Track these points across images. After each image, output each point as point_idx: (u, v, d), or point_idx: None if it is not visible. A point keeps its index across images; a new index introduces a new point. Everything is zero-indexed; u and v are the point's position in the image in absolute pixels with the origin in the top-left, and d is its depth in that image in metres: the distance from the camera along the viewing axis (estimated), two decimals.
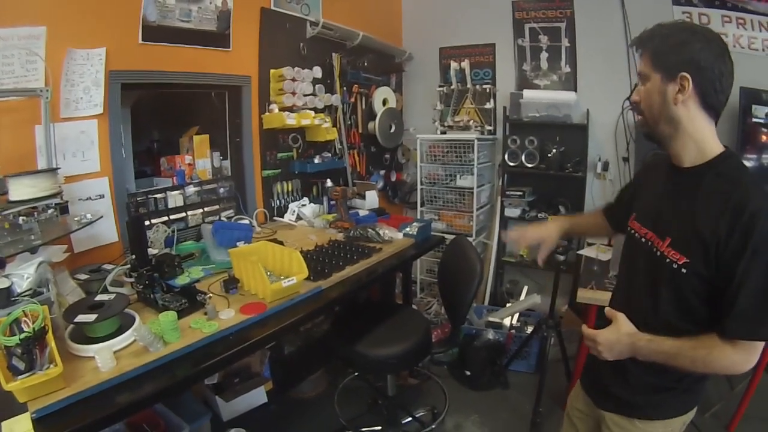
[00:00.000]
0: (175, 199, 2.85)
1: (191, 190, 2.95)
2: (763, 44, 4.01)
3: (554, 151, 4.36)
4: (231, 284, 2.18)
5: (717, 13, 4.05)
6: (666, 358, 1.32)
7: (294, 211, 3.53)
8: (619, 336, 1.38)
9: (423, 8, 5.03)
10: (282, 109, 3.43)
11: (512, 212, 4.61)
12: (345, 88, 4.15)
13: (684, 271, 1.31)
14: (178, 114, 3.27)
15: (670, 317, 1.38)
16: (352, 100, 4.28)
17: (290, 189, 3.71)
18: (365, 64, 4.41)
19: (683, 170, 1.38)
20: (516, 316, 4.10)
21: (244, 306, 2.01)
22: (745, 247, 1.19)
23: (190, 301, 1.99)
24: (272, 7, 3.42)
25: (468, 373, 3.65)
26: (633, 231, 1.57)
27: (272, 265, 2.35)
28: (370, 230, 3.08)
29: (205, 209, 3.04)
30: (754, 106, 3.73)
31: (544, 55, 4.58)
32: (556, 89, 4.56)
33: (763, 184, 1.24)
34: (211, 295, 2.08)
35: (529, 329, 3.88)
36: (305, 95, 3.59)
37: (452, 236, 3.37)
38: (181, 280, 2.08)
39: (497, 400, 3.48)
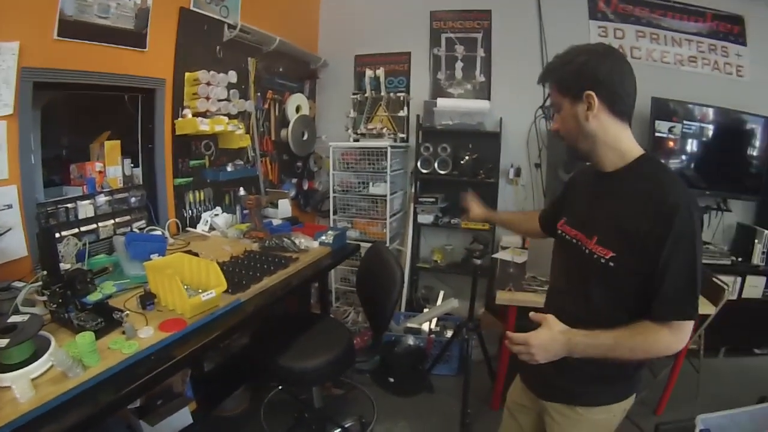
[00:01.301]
0: (85, 209, 2.64)
1: (102, 199, 2.74)
2: (674, 57, 4.40)
3: (467, 158, 4.48)
4: (147, 300, 2.05)
5: (632, 29, 4.40)
6: (604, 351, 1.35)
7: (207, 221, 3.40)
8: (553, 335, 1.36)
9: (341, 15, 5.01)
10: (195, 115, 3.27)
11: (425, 219, 4.67)
12: (259, 94, 4.05)
13: (612, 264, 1.39)
14: (89, 118, 3.04)
15: (603, 310, 1.44)
16: (266, 106, 4.18)
17: (202, 198, 3.55)
18: (280, 69, 4.33)
19: (606, 174, 1.48)
20: (434, 320, 4.14)
21: (163, 323, 1.90)
22: (666, 237, 1.28)
23: (107, 319, 1.85)
24: (191, 8, 3.27)
25: (391, 379, 3.64)
26: (563, 233, 1.64)
27: (189, 278, 2.24)
28: (285, 240, 3.02)
29: (117, 220, 2.84)
30: (657, 122, 4.09)
31: (459, 65, 4.71)
32: (469, 98, 4.70)
33: (681, 181, 1.36)
34: (128, 312, 1.94)
35: (449, 333, 3.95)
36: (219, 100, 3.46)
37: (366, 244, 3.37)
38: (93, 297, 1.97)
39: (424, 405, 3.49)
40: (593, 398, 1.58)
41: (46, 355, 1.53)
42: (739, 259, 4.24)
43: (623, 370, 1.54)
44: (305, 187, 4.91)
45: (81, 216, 2.62)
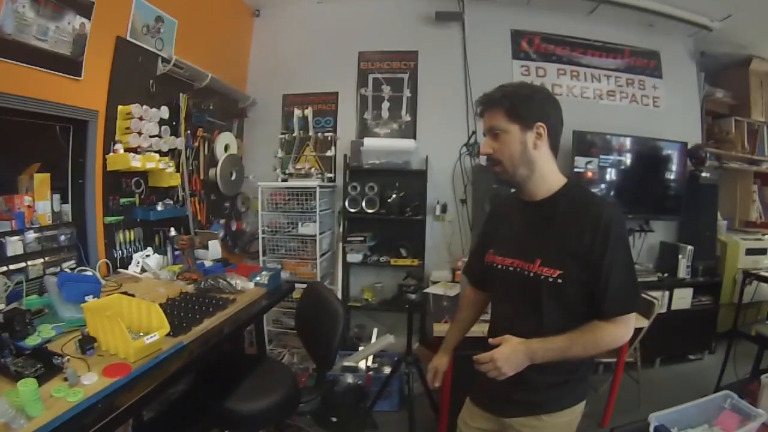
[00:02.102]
0: (14, 246, 2.38)
1: (31, 236, 2.49)
2: (593, 93, 4.74)
3: (394, 196, 4.49)
4: (87, 344, 1.86)
5: (553, 67, 4.71)
6: (561, 353, 1.49)
7: (138, 263, 3.17)
8: (513, 347, 1.49)
9: (270, 54, 4.96)
10: (127, 150, 3.08)
11: (354, 257, 4.60)
12: (189, 131, 3.88)
13: (560, 281, 1.50)
14: (17, 148, 2.75)
15: (555, 323, 1.54)
16: (196, 144, 4.01)
17: (132, 238, 3.30)
18: (211, 107, 4.19)
19: (536, 203, 1.62)
20: (371, 357, 4.05)
21: (107, 368, 1.72)
22: (606, 247, 1.45)
23: (46, 365, 1.65)
24: (128, 38, 3.12)
25: (334, 419, 3.49)
26: (496, 264, 1.72)
27: (129, 320, 2.05)
28: (221, 281, 2.87)
29: (46, 259, 2.59)
30: (576, 158, 4.36)
31: (385, 105, 4.78)
32: (395, 137, 4.75)
33: (605, 198, 1.51)
34: (69, 357, 1.76)
35: (386, 369, 3.89)
36: (151, 136, 3.28)
37: (299, 285, 3.30)
38: (32, 341, 1.81)
39: None
40: (555, 403, 1.65)
41: None
42: (665, 275, 4.57)
43: (577, 374, 1.65)
44: (233, 227, 4.72)
45: (10, 253, 2.36)
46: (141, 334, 1.90)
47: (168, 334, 2.00)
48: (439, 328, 3.11)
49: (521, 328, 1.57)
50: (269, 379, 2.52)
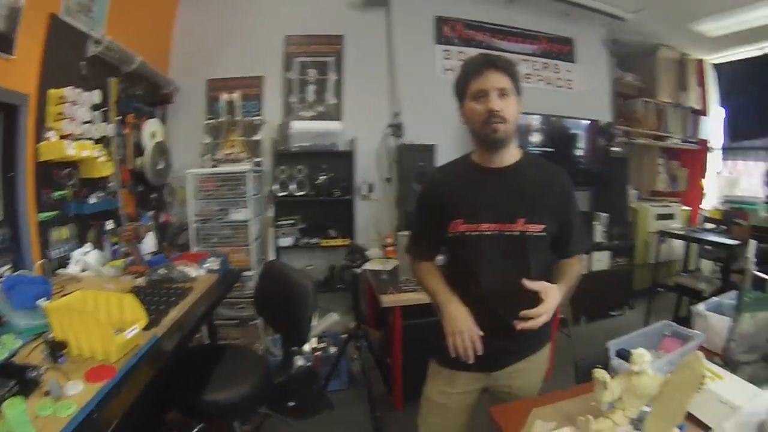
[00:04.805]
0: None
1: None
2: None
3: (322, 177, 4.31)
4: (58, 350, 1.53)
5: (473, 51, 4.53)
6: (569, 292, 1.66)
7: (78, 261, 2.69)
8: (555, 295, 1.51)
9: (193, 37, 4.41)
10: (60, 138, 2.57)
11: (286, 241, 4.32)
12: (120, 118, 3.35)
13: (544, 234, 1.61)
14: None
15: (538, 273, 1.59)
16: (126, 131, 3.46)
17: (67, 235, 2.77)
18: (139, 92, 3.66)
19: (504, 170, 1.65)
20: (315, 339, 3.80)
21: (88, 372, 1.45)
22: (569, 205, 1.69)
23: (20, 381, 1.31)
24: (61, 16, 2.60)
25: (292, 403, 3.20)
26: (470, 233, 1.64)
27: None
28: (174, 270, 2.56)
29: None
30: None
31: (311, 88, 4.52)
32: (321, 119, 4.49)
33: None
34: (45, 368, 1.43)
35: (332, 349, 3.68)
36: (84, 122, 2.77)
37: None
38: None
39: (332, 422, 3.18)
40: (538, 344, 1.79)
41: None
42: None
43: None
44: (161, 219, 4.18)
45: None
46: (114, 330, 1.60)
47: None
48: (388, 299, 3.06)
49: (510, 285, 1.54)
50: (240, 366, 2.30)
